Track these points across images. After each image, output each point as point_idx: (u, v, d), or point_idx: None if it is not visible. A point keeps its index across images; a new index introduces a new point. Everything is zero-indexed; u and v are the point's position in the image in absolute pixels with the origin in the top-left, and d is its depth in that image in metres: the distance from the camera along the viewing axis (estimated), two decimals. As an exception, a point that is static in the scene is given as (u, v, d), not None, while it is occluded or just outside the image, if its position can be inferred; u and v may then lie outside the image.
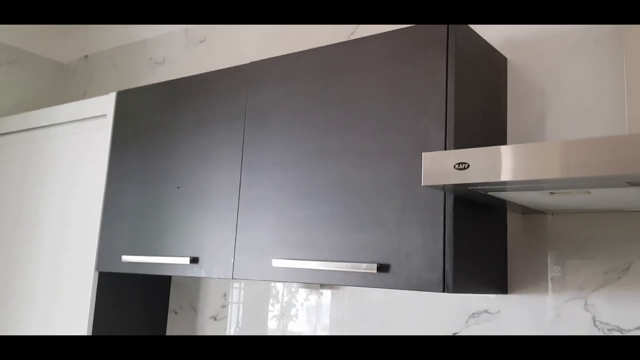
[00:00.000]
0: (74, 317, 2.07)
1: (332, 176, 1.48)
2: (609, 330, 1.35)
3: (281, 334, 1.98)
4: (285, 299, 1.99)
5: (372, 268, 1.34)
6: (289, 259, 1.51)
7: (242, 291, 2.12)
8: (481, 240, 1.41)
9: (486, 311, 1.54)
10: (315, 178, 1.51)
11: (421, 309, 1.66)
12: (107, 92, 2.83)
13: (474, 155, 1.05)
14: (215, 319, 2.17)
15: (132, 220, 1.94)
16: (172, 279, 2.33)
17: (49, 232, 2.24)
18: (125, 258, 1.89)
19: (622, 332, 1.34)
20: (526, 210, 1.44)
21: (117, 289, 2.11)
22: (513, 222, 1.53)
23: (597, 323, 1.37)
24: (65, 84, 3.09)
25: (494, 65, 1.56)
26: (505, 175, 0.99)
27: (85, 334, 2.00)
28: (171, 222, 1.82)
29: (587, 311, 1.39)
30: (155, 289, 2.28)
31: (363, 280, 1.36)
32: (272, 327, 2.00)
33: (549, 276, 1.46)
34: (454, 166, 1.07)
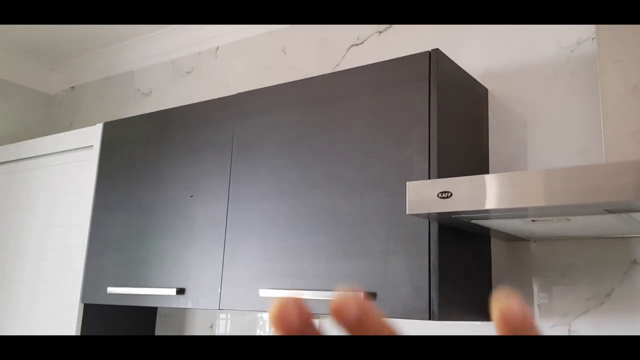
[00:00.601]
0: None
1: (318, 206, 1.49)
2: (593, 355, 1.37)
3: (268, 365, 1.96)
4: (273, 329, 1.98)
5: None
6: (276, 288, 1.51)
7: (228, 322, 2.11)
8: (466, 267, 1.42)
9: (473, 338, 1.55)
10: (301, 208, 1.52)
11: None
12: (93, 123, 2.84)
13: (457, 184, 1.08)
14: (201, 350, 2.15)
15: (118, 251, 1.93)
16: (158, 310, 2.31)
17: (33, 264, 2.22)
18: (111, 290, 1.88)
19: None
20: (510, 238, 1.46)
21: (103, 321, 2.09)
22: (497, 249, 1.56)
23: (581, 349, 1.39)
24: (52, 115, 3.10)
25: (475, 95, 1.60)
26: (489, 204, 1.02)
27: (69, 367, 1.97)
28: (157, 253, 1.82)
29: (571, 337, 1.40)
30: (141, 321, 2.25)
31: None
32: (260, 358, 1.99)
33: (536, 303, 1.47)
34: (438, 195, 1.09)
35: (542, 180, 0.97)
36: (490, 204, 1.01)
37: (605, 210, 0.96)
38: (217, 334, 2.11)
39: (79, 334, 1.99)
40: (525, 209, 0.99)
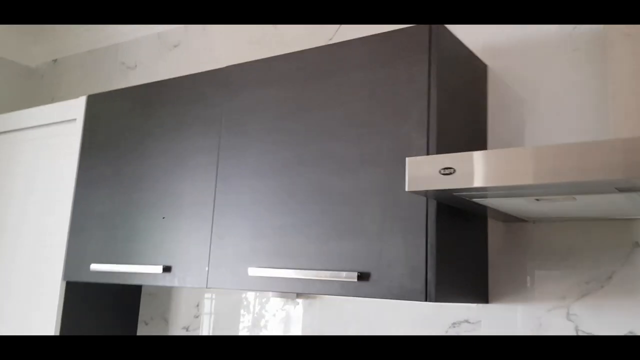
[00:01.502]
0: (40, 328, 1.98)
1: (311, 184, 1.44)
2: (591, 339, 1.34)
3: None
4: (260, 309, 1.94)
5: (352, 277, 1.30)
6: (265, 267, 1.46)
7: (214, 302, 2.06)
8: (463, 248, 1.38)
9: (467, 321, 1.52)
10: (293, 185, 1.47)
11: (400, 319, 1.62)
12: (76, 98, 2.75)
13: (460, 160, 1.03)
14: (187, 329, 2.11)
15: (102, 228, 1.87)
16: (143, 288, 2.25)
17: (14, 240, 2.15)
18: (95, 267, 1.82)
19: (604, 342, 1.32)
20: (508, 219, 1.42)
21: (86, 299, 2.03)
22: (494, 230, 1.52)
23: (579, 332, 1.36)
24: (33, 90, 3.00)
25: (475, 71, 1.55)
26: (495, 181, 0.97)
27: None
28: (143, 230, 1.76)
29: (569, 320, 1.37)
30: (126, 299, 2.20)
31: (343, 290, 1.33)
32: (246, 333, 1.95)
33: (531, 285, 1.44)
34: (440, 171, 1.04)
35: (553, 156, 0.93)
36: (498, 181, 0.96)
37: (617, 188, 0.92)
38: (200, 334, 2.07)
39: (60, 312, 1.93)
40: (535, 186, 0.95)
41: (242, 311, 1.98)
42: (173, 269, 1.65)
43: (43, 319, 1.97)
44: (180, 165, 1.72)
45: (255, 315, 1.94)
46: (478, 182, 0.99)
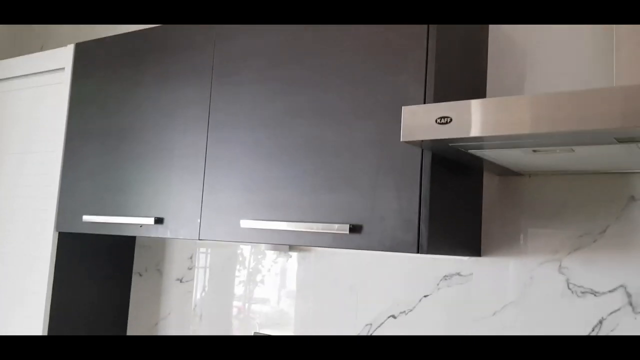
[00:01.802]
0: (33, 279, 1.98)
1: (303, 135, 1.41)
2: (582, 292, 1.34)
3: (249, 297, 1.93)
4: (253, 262, 1.94)
5: (345, 229, 1.29)
6: (258, 219, 1.45)
7: (208, 255, 2.06)
8: (457, 201, 1.37)
9: (458, 274, 1.52)
10: (285, 137, 1.44)
11: (391, 271, 1.63)
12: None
13: (457, 108, 1.00)
14: (181, 281, 2.11)
15: (93, 179, 1.85)
16: (137, 240, 2.25)
17: (4, 191, 2.13)
18: (87, 218, 1.80)
19: (595, 295, 1.33)
20: (504, 172, 1.41)
21: (80, 251, 2.03)
22: (489, 184, 1.50)
23: (570, 286, 1.36)
24: (21, 38, 2.92)
25: (474, 21, 1.50)
26: (493, 130, 0.94)
27: (45, 295, 1.92)
28: (134, 182, 1.74)
29: (561, 274, 1.37)
30: (119, 251, 2.19)
31: (335, 242, 1.32)
32: (239, 291, 1.95)
33: (524, 239, 1.43)
34: (436, 120, 1.02)
35: (551, 104, 0.90)
36: (495, 130, 0.94)
37: (616, 139, 0.90)
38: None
39: (53, 264, 1.93)
40: (533, 136, 0.92)
41: (236, 264, 1.98)
42: (165, 221, 1.64)
43: (37, 269, 1.97)
44: (171, 116, 1.69)
45: (249, 267, 1.95)
46: (475, 131, 0.97)
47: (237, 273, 1.97)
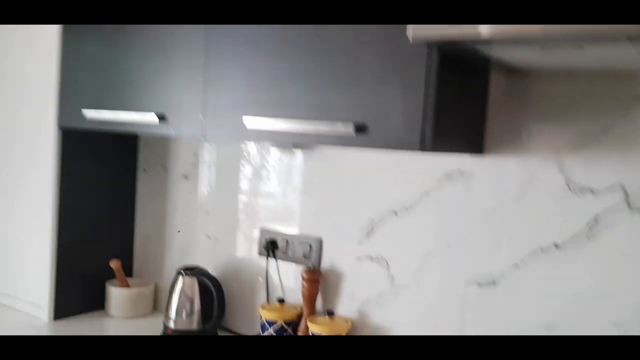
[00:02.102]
0: (38, 177, 2.01)
1: (309, 31, 1.38)
2: (580, 190, 1.37)
3: (254, 193, 1.97)
4: (257, 159, 1.97)
5: (349, 127, 1.30)
6: (262, 117, 1.45)
7: (213, 151, 2.08)
8: (462, 100, 1.36)
9: (460, 172, 1.54)
10: (289, 33, 1.41)
11: (394, 170, 1.65)
12: None
13: (466, 5, 0.97)
14: (186, 177, 2.15)
15: (94, 74, 1.82)
16: (141, 138, 2.26)
17: (2, 86, 2.12)
18: (88, 113, 1.80)
19: (593, 193, 1.36)
20: (510, 71, 1.39)
21: (84, 149, 2.05)
22: (496, 83, 1.49)
23: (570, 184, 1.39)
24: None
25: None
26: (503, 29, 0.92)
27: (52, 189, 1.96)
28: (134, 77, 1.72)
29: (560, 172, 1.40)
30: (123, 149, 2.22)
31: (339, 140, 1.33)
32: (244, 187, 2.00)
33: (527, 138, 1.44)
34: (445, 17, 0.99)
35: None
36: (505, 27, 0.91)
37: (628, 37, 0.88)
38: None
39: (58, 161, 1.95)
40: (545, 33, 0.90)
41: (241, 160, 2.00)
42: (167, 118, 1.64)
43: (41, 165, 1.99)
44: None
45: (254, 164, 1.97)
46: (485, 27, 0.95)
47: (242, 169, 2.00)
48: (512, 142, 1.46)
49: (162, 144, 2.20)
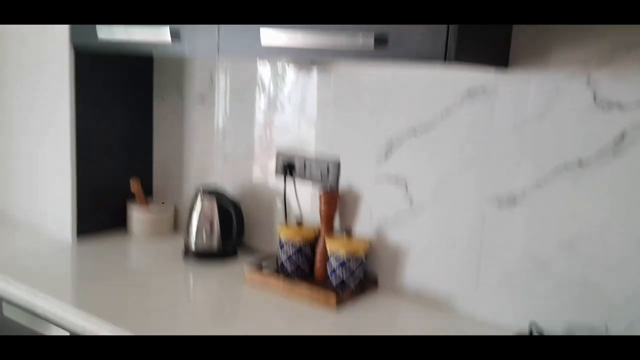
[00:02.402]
0: (56, 101, 2.00)
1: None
2: (608, 105, 1.32)
3: (270, 116, 1.95)
4: (274, 80, 1.92)
5: (370, 40, 1.25)
6: (278, 28, 1.40)
7: (228, 74, 2.04)
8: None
9: (482, 88, 1.50)
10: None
11: (412, 88, 1.61)
12: None
13: None
14: (202, 98, 2.12)
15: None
16: (155, 61, 2.22)
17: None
18: (101, 31, 1.76)
19: (621, 108, 1.31)
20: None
21: (98, 71, 2.02)
22: (522, -8, 1.41)
23: (597, 100, 1.34)
24: None
25: None
26: None
27: (69, 116, 1.96)
28: (148, -6, 1.66)
29: (588, 87, 1.35)
30: (139, 73, 2.18)
31: (359, 55, 1.28)
32: (261, 109, 1.97)
33: (555, 51, 1.38)
34: None
35: None
36: None
37: None
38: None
39: (74, 85, 1.93)
40: None
41: (257, 81, 1.97)
42: (181, 36, 1.60)
43: (57, 88, 1.98)
44: None
45: (270, 87, 1.94)
46: None
47: (257, 91, 1.97)
48: (538, 55, 1.40)
49: (177, 67, 2.16)
